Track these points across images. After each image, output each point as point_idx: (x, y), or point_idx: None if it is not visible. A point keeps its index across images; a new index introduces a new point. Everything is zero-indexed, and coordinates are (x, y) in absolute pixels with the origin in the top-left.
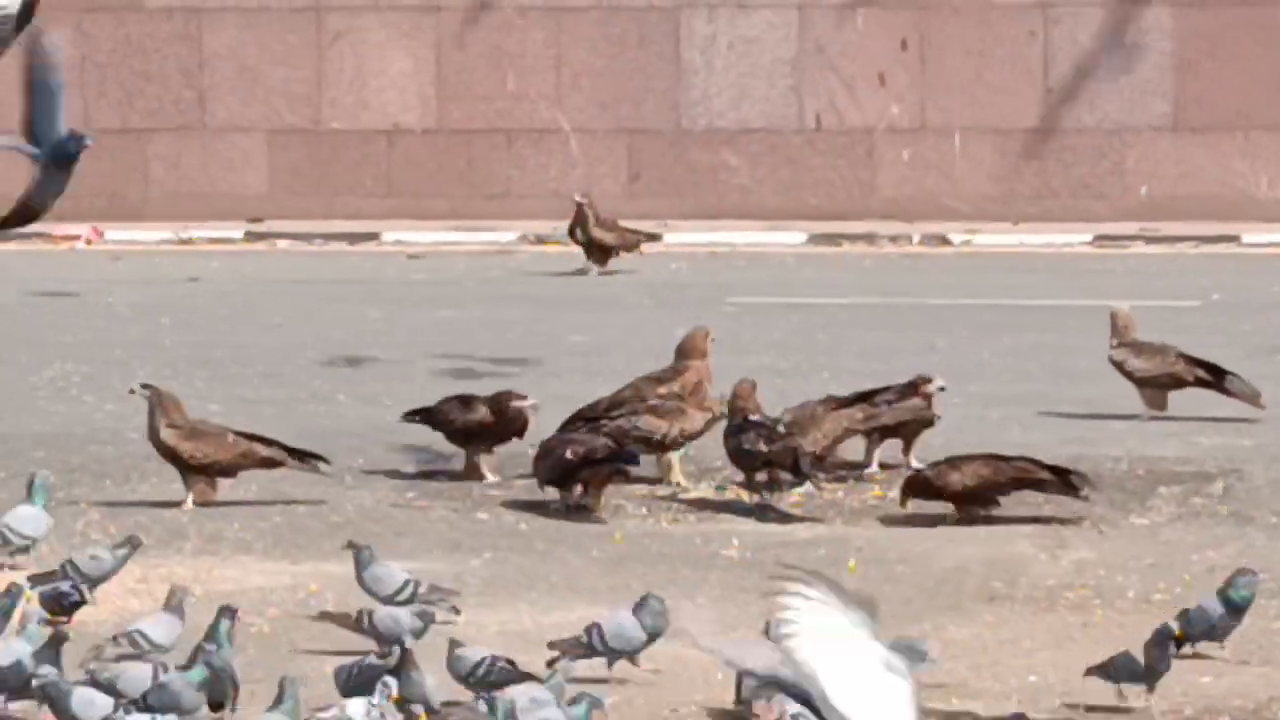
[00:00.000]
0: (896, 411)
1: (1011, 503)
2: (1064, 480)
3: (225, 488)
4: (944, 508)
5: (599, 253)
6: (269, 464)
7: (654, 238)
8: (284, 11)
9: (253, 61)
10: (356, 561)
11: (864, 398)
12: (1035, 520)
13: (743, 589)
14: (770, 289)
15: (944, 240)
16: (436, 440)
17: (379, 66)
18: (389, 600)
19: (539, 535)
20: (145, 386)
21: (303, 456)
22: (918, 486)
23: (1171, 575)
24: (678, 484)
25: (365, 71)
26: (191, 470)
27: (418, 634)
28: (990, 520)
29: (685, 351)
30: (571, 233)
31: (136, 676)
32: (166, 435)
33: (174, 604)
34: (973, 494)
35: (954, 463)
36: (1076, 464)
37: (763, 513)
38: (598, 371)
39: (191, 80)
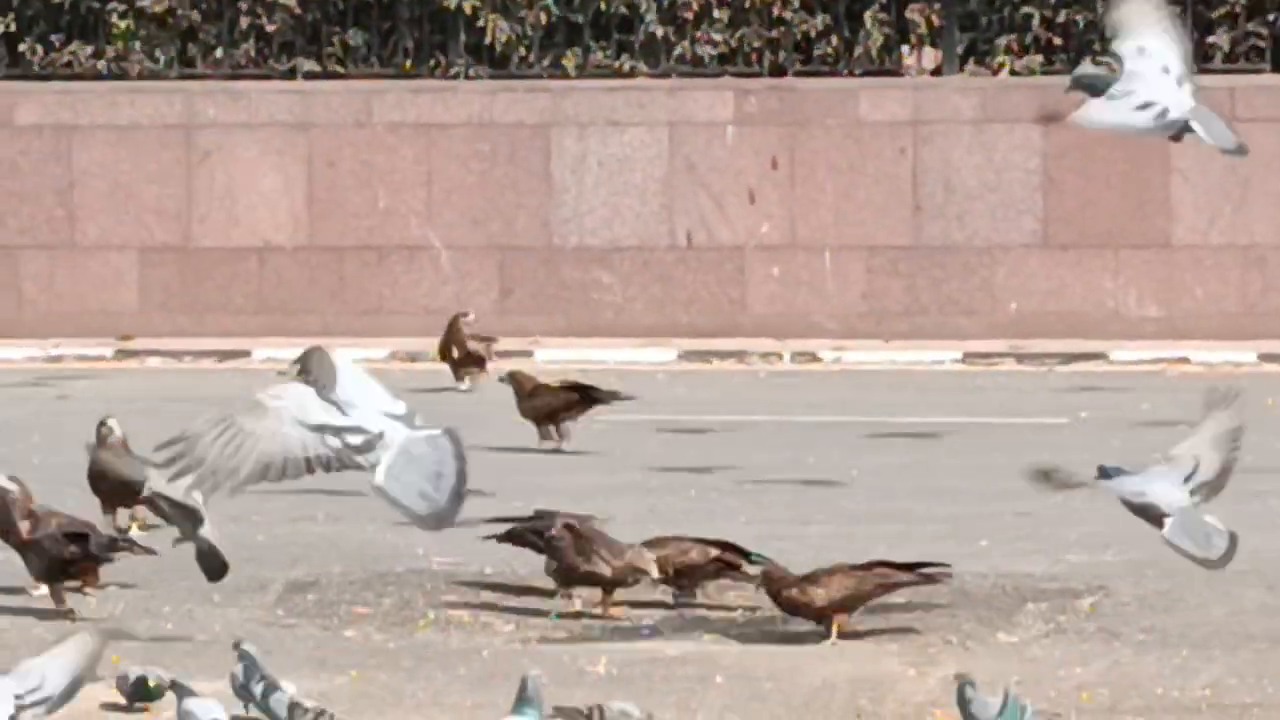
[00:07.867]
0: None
1: (879, 619)
2: (923, 576)
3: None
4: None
5: (475, 365)
6: None
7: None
8: (155, 129)
9: (124, 179)
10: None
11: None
12: (905, 631)
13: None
14: (641, 407)
15: (814, 357)
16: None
17: (249, 183)
18: None
19: (406, 653)
20: None
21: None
22: (784, 606)
23: (1038, 692)
24: None
25: (235, 189)
26: None
27: None
28: (858, 635)
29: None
30: (443, 349)
31: None
32: None
33: None
34: (840, 606)
35: (814, 578)
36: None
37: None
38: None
39: (63, 198)
